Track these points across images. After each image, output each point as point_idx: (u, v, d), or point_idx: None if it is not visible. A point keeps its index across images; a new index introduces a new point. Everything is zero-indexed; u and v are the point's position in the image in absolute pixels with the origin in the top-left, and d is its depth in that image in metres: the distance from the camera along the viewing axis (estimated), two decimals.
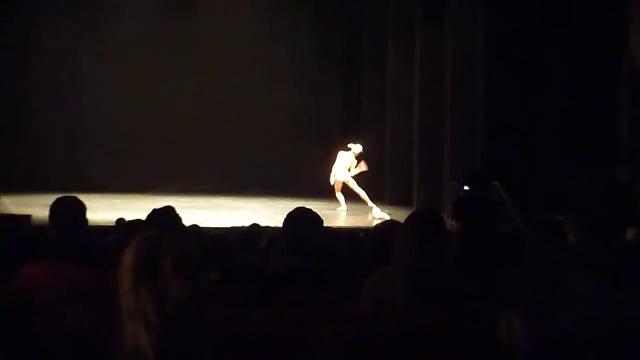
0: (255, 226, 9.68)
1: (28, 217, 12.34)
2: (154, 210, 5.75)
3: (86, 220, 5.39)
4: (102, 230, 8.03)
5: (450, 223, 13.00)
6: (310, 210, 5.39)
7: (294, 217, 5.32)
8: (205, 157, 21.37)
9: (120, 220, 6.51)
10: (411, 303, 4.22)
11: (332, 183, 17.93)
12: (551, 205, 11.24)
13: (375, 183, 21.21)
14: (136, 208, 15.39)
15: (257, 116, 22.15)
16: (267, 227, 10.03)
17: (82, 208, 5.34)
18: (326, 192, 18.50)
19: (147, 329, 2.74)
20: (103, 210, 12.63)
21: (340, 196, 17.90)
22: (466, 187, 14.61)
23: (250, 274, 5.26)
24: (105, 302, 4.25)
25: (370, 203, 17.45)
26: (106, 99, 21.22)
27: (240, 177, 21.21)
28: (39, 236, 7.38)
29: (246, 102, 22.13)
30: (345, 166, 18.02)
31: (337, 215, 16.31)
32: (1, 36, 17.68)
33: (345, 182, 17.88)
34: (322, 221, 5.32)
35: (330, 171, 17.97)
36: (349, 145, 18.23)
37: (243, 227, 10.21)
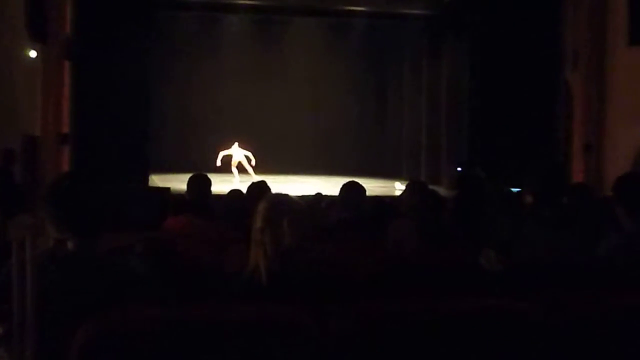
0: (318, 194, 9.68)
1: (168, 189, 12.35)
2: (253, 183, 5.81)
3: (210, 190, 5.47)
4: (218, 197, 8.12)
5: (446, 192, 12.97)
6: (357, 182, 5.42)
7: (348, 187, 5.35)
8: (283, 147, 21.40)
9: (234, 190, 6.58)
10: (420, 243, 4.25)
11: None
12: (512, 179, 11.15)
13: (395, 163, 21.32)
14: (240, 182, 15.69)
15: (319, 119, 22.24)
16: (325, 195, 10.07)
17: (209, 182, 5.43)
18: (364, 172, 18.56)
19: (264, 257, 2.79)
20: (218, 184, 12.80)
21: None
22: (459, 169, 14.54)
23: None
24: (217, 242, 4.37)
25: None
26: (220, 111, 21.40)
27: (306, 161, 21.23)
28: (176, 200, 7.50)
29: (312, 111, 22.20)
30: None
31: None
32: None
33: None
34: (365, 190, 5.35)
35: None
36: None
37: (310, 195, 10.23)
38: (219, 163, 17.80)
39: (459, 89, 16.84)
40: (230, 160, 18.27)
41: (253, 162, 18.29)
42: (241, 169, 18.23)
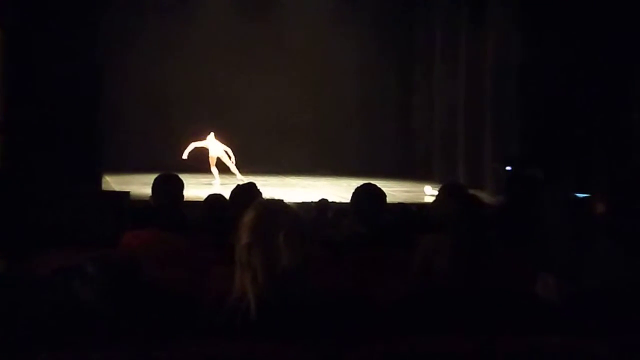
0: (323, 201, 9.69)
1: (127, 193, 12.38)
2: (238, 186, 5.81)
3: (183, 196, 5.47)
4: (192, 204, 8.15)
5: (490, 198, 12.98)
6: (376, 185, 5.42)
7: (363, 191, 5.34)
8: (280, 143, 21.46)
9: (214, 196, 6.61)
10: (457, 264, 4.25)
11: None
12: (577, 182, 11.17)
13: (425, 164, 21.35)
14: (221, 185, 15.77)
15: (324, 106, 22.27)
16: (332, 202, 10.09)
17: (181, 184, 5.43)
18: (383, 172, 18.60)
19: (253, 283, 2.79)
20: (192, 187, 12.89)
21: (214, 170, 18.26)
22: (508, 168, 14.54)
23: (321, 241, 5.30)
24: (192, 263, 4.37)
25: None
26: (195, 95, 21.46)
27: (309, 160, 21.28)
28: (139, 209, 7.51)
29: (314, 94, 22.24)
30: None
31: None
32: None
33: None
34: (385, 195, 5.34)
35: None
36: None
37: (312, 202, 10.24)
38: (185, 156, 17.83)
39: (508, 68, 16.85)
40: (204, 156, 18.25)
41: (233, 160, 18.31)
42: (222, 168, 18.25)
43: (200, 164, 18.05)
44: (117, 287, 2.95)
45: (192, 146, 18.09)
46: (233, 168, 18.24)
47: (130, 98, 20.70)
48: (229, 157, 18.33)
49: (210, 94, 21.52)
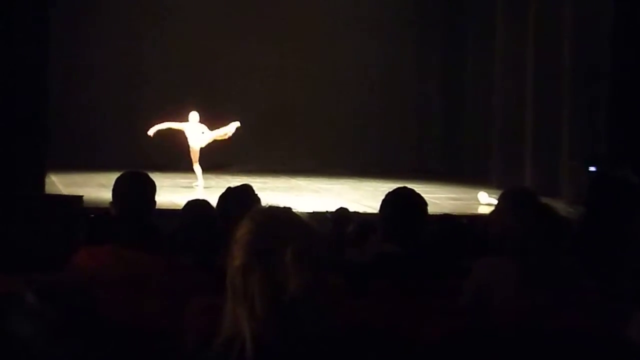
0: (342, 211, 9.70)
1: (79, 198, 12.42)
2: (229, 189, 5.83)
3: (154, 202, 5.47)
4: (167, 213, 8.18)
5: (567, 209, 12.99)
6: (413, 191, 5.41)
7: (395, 198, 5.34)
8: (283, 133, 21.49)
9: (196, 202, 6.63)
10: (524, 297, 4.25)
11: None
12: None
13: (481, 163, 21.33)
14: (205, 188, 15.84)
15: (344, 89, 22.28)
16: (354, 212, 10.07)
17: (152, 186, 5.42)
18: (422, 174, 18.62)
19: (249, 317, 2.79)
20: (167, 191, 12.92)
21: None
22: (592, 168, 14.53)
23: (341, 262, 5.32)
24: (167, 290, 4.40)
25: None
26: (169, 72, 21.49)
27: (323, 156, 21.31)
28: (94, 218, 7.54)
29: (331, 73, 22.25)
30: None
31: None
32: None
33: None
34: (426, 204, 5.34)
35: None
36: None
37: (327, 211, 10.24)
38: (151, 132, 17.75)
39: (594, 34, 16.83)
40: (183, 148, 18.16)
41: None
42: (208, 166, 18.20)
43: (178, 158, 18.09)
44: (66, 322, 2.96)
45: (165, 125, 17.89)
46: (224, 130, 18.15)
47: (82, 76, 20.73)
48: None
49: (193, 73, 21.55)
